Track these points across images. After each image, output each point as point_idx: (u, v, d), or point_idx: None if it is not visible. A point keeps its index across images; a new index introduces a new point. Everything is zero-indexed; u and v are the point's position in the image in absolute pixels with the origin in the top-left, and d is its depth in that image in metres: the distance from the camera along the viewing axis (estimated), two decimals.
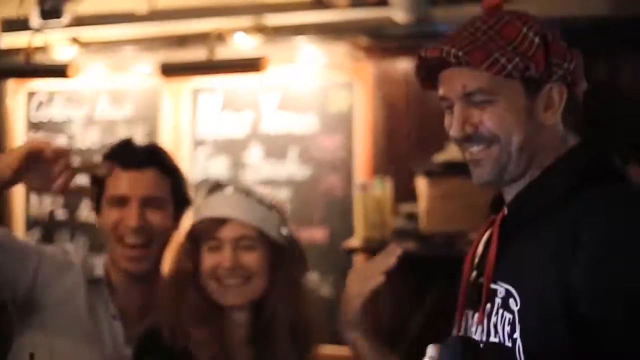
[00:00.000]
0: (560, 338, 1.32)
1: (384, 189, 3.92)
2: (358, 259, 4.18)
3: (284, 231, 1.97)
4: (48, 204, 4.89)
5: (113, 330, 2.07)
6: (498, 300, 1.42)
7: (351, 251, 4.01)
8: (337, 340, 1.82)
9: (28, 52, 4.77)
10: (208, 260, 1.93)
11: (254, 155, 4.59)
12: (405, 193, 3.99)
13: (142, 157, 2.10)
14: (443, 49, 1.42)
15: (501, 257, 1.44)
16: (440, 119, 1.54)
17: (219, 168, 4.62)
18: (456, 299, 1.54)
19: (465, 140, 1.46)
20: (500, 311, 1.41)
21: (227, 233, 1.92)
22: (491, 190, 1.57)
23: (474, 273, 1.53)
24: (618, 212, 1.34)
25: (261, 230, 1.93)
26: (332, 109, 4.46)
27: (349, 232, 4.14)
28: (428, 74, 1.52)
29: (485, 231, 1.54)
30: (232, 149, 4.63)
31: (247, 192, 1.96)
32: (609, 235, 1.31)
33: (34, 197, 4.92)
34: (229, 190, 1.96)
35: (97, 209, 2.14)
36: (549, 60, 1.43)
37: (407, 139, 4.26)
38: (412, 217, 3.77)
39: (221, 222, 1.93)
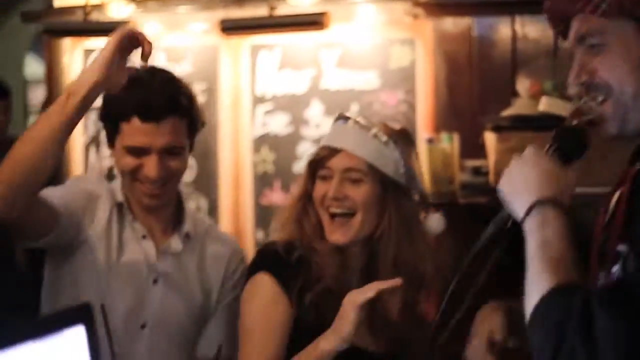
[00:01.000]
0: None
1: (451, 143, 3.96)
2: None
3: (402, 169, 1.96)
4: (107, 161, 4.91)
5: (144, 249, 2.09)
6: (621, 262, 1.35)
7: None
8: None
9: (85, 10, 4.81)
10: (318, 188, 1.98)
11: (314, 111, 4.61)
12: (468, 148, 4.03)
13: (161, 110, 2.00)
14: None
15: (632, 216, 1.36)
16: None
17: (278, 125, 4.66)
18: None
19: (584, 90, 1.46)
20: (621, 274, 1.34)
21: (336, 162, 1.95)
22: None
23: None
24: None
25: (372, 165, 1.94)
26: (392, 66, 4.47)
27: None
28: (566, 27, 1.52)
29: (619, 187, 1.46)
30: (292, 105, 4.64)
31: (366, 126, 1.97)
32: None
33: (92, 154, 4.98)
34: (350, 122, 1.98)
35: (111, 144, 2.09)
36: None
37: (470, 94, 4.29)
38: (478, 172, 3.81)
39: (334, 151, 1.96)
